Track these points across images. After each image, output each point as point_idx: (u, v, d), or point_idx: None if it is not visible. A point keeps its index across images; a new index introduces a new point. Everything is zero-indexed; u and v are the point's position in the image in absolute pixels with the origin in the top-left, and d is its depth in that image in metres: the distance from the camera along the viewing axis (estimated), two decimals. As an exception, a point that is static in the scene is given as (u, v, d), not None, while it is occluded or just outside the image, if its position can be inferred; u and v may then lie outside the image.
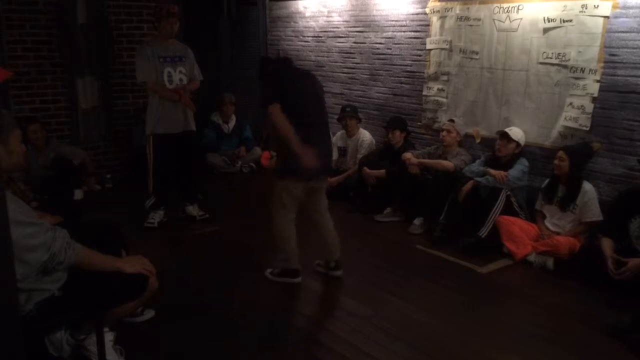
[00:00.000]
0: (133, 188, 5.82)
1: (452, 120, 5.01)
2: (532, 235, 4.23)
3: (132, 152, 6.16)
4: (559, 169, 4.12)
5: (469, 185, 4.45)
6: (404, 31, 5.59)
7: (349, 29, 6.19)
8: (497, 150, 4.56)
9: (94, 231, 2.89)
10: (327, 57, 6.56)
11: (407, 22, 5.53)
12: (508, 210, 4.34)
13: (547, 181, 4.33)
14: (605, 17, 4.03)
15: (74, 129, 6.03)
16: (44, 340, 2.39)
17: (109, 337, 2.58)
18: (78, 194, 5.52)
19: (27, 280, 2.18)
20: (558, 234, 4.16)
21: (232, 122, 6.82)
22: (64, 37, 5.76)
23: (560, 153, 4.13)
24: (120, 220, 4.28)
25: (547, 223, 4.28)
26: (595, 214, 4.04)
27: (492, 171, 4.41)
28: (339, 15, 6.27)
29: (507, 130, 4.51)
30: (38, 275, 2.22)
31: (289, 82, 3.51)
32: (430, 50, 5.35)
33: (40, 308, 2.25)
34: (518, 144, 4.48)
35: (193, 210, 5.07)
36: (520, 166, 4.42)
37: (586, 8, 4.13)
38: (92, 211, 5.13)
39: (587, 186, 4.09)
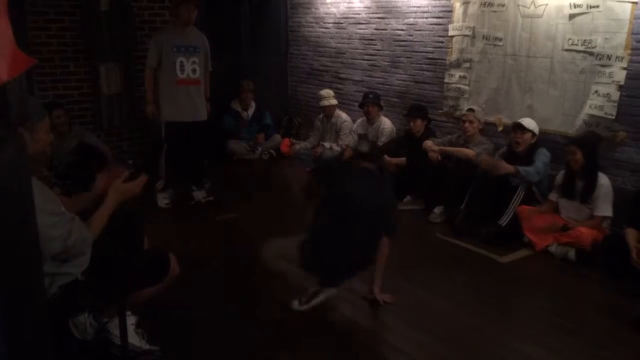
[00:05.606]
0: (155, 173, 5.89)
1: (471, 110, 4.94)
2: (553, 226, 4.13)
3: (154, 138, 6.20)
4: (575, 162, 4.00)
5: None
6: (425, 17, 5.51)
7: (370, 15, 6.13)
8: (515, 144, 4.44)
9: (116, 221, 2.91)
10: (347, 43, 6.51)
11: (429, 8, 5.45)
12: (530, 200, 4.30)
13: (562, 175, 4.20)
14: (633, 2, 3.92)
15: (96, 115, 6.10)
16: (69, 323, 2.44)
17: (131, 320, 2.63)
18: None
19: (45, 265, 2.20)
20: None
21: (252, 109, 6.81)
22: (86, 24, 5.80)
23: (571, 147, 4.02)
24: (141, 205, 4.31)
25: (563, 217, 4.17)
26: (604, 209, 3.93)
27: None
28: (360, 2, 6.21)
29: (519, 120, 4.44)
30: (54, 261, 2.24)
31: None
32: (452, 36, 5.28)
33: (64, 291, 2.29)
34: (533, 133, 4.39)
35: (199, 194, 5.13)
36: (543, 157, 4.34)
37: (614, -7, 4.04)
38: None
39: (602, 179, 3.96)
